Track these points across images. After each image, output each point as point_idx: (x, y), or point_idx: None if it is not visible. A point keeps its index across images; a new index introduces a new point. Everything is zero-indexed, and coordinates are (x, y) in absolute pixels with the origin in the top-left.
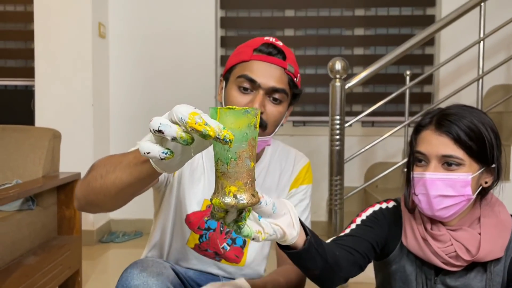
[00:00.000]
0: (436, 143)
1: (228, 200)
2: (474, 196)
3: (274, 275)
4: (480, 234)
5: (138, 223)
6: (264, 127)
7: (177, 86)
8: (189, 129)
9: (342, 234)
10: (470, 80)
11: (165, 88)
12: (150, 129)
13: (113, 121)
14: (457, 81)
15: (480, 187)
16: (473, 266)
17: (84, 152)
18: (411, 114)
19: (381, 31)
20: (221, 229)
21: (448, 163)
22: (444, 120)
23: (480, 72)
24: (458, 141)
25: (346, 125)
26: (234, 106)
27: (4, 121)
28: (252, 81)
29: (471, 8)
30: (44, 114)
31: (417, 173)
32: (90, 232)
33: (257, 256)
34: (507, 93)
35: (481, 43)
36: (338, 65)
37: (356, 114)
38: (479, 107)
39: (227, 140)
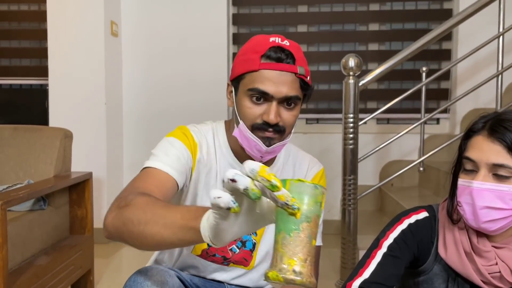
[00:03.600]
0: (488, 150)
1: (288, 274)
2: None
3: None
4: None
5: None
6: (282, 132)
7: (189, 84)
8: (259, 179)
9: (368, 270)
10: (489, 76)
11: (177, 86)
12: (223, 180)
13: (126, 120)
14: (475, 77)
15: None
16: None
17: (97, 151)
18: (428, 111)
19: (397, 26)
20: None
21: (498, 174)
22: (498, 126)
23: (500, 68)
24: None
25: (361, 122)
26: (303, 179)
27: (20, 121)
28: (264, 93)
29: (490, 1)
30: (58, 113)
31: (463, 180)
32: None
33: (266, 260)
34: None
35: (501, 37)
36: (352, 62)
37: (371, 111)
38: (498, 104)
39: (295, 207)
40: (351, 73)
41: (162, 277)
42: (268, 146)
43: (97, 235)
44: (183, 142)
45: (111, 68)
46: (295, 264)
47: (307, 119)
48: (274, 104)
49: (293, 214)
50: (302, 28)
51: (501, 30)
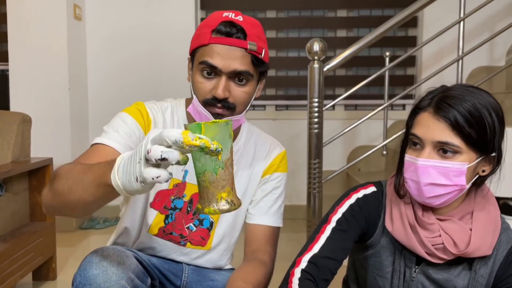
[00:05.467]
0: (433, 128)
1: (224, 206)
2: (468, 186)
3: (242, 283)
4: (471, 229)
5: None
6: (232, 109)
7: (155, 69)
8: (187, 148)
9: (317, 244)
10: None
11: (143, 72)
12: (150, 158)
13: (92, 105)
14: (439, 63)
15: (477, 176)
16: (458, 262)
17: (60, 137)
18: (392, 97)
19: (364, 12)
20: (188, 209)
21: (443, 150)
22: (443, 103)
23: (460, 53)
24: (456, 127)
25: (326, 107)
26: (215, 120)
27: None
28: (212, 67)
29: None
30: (19, 99)
31: (409, 156)
32: (70, 219)
33: (224, 240)
34: (490, 74)
35: (461, 23)
36: (316, 46)
37: (339, 97)
38: None
39: (218, 150)
40: (315, 57)
41: (118, 257)
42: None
43: (64, 224)
44: (136, 118)
45: (74, 53)
46: (226, 196)
47: (276, 106)
48: (223, 78)
49: (217, 156)
50: (271, 14)
51: (462, 15)
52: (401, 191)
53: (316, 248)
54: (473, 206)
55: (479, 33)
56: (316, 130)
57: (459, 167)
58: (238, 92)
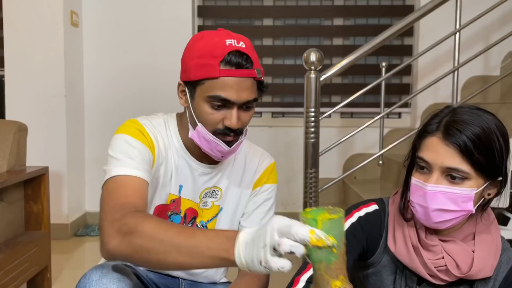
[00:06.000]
0: (442, 153)
1: None
2: (474, 210)
3: None
4: (473, 251)
5: None
6: (240, 133)
7: (152, 77)
8: (311, 246)
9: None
10: (447, 71)
11: (141, 79)
12: (279, 250)
13: (88, 113)
14: (435, 72)
15: (482, 199)
16: (459, 282)
17: (56, 145)
18: (390, 105)
19: (361, 21)
20: (184, 224)
21: (452, 175)
22: (453, 129)
23: (456, 64)
24: (465, 153)
25: (323, 116)
26: (325, 211)
27: None
28: (226, 100)
29: None
30: (14, 106)
31: (417, 180)
32: (64, 226)
33: None
34: (485, 84)
35: (457, 34)
36: (313, 57)
37: (335, 105)
38: (456, 99)
39: (334, 245)
40: (312, 67)
41: (118, 275)
42: (230, 147)
43: (59, 231)
44: (141, 140)
45: (71, 60)
46: (340, 284)
47: (272, 113)
48: (235, 110)
49: (332, 250)
50: (267, 22)
51: (457, 27)
52: (407, 215)
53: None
54: (475, 227)
55: (474, 43)
56: (312, 140)
57: (467, 193)
58: (246, 117)
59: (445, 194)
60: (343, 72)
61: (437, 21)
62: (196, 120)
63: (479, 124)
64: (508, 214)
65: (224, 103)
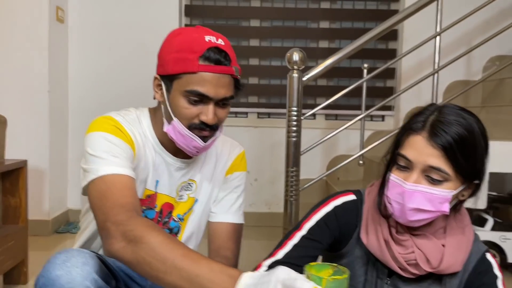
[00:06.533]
0: (426, 153)
1: None
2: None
3: None
4: (443, 245)
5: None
6: (216, 129)
7: (139, 75)
8: None
9: (283, 250)
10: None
11: (126, 77)
12: None
13: (72, 109)
14: (418, 76)
15: (456, 200)
16: (428, 275)
17: (38, 141)
18: (370, 108)
19: (346, 24)
20: (159, 219)
21: (431, 177)
22: (439, 129)
23: (436, 66)
24: (450, 155)
25: (305, 115)
26: (329, 267)
27: None
28: (203, 95)
29: (429, 2)
30: None
31: (395, 177)
32: (45, 222)
33: (190, 242)
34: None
35: (437, 37)
36: (296, 56)
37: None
38: (436, 102)
39: None
40: (295, 67)
41: (83, 258)
42: (205, 142)
43: (37, 227)
44: (121, 138)
45: (55, 56)
46: None
47: (258, 114)
48: (212, 105)
49: None
50: (255, 23)
51: (438, 30)
52: (384, 211)
53: (280, 254)
54: (446, 222)
55: (457, 48)
56: (294, 139)
57: (445, 195)
58: (222, 114)
59: (423, 194)
60: (329, 75)
61: (421, 25)
62: (172, 115)
63: (464, 126)
64: (486, 216)
65: (201, 99)
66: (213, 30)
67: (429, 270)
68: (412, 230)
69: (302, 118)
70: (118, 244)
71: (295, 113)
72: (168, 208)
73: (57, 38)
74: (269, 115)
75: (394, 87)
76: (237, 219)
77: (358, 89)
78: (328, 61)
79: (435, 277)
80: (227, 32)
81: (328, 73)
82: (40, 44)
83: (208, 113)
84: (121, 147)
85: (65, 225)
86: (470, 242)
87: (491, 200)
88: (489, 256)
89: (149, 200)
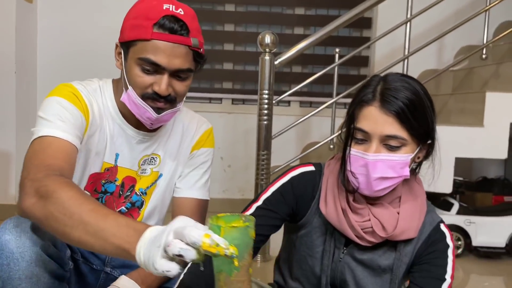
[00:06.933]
0: (381, 122)
1: None
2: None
3: None
4: (398, 213)
5: None
6: (174, 102)
7: (108, 56)
8: (202, 251)
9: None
10: (401, 63)
11: (98, 59)
12: (168, 252)
13: (41, 91)
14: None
15: (413, 163)
16: (383, 243)
17: (5, 124)
18: (349, 95)
19: (321, 11)
20: (120, 193)
21: (389, 144)
22: (389, 96)
23: (406, 52)
24: (403, 120)
25: (275, 101)
26: (240, 218)
27: None
28: (155, 64)
29: None
30: None
31: (356, 151)
32: (11, 207)
33: (153, 217)
34: (438, 77)
35: (408, 24)
36: (268, 39)
37: (296, 94)
38: None
39: (234, 256)
40: (267, 49)
41: (34, 224)
42: (158, 114)
43: (2, 212)
44: (75, 104)
45: (23, 36)
46: None
47: (233, 100)
48: (165, 76)
49: (233, 260)
50: (229, 7)
51: (409, 16)
52: (349, 187)
53: None
54: (402, 191)
55: (428, 38)
56: (265, 122)
57: (404, 159)
58: (179, 86)
59: (385, 162)
60: (303, 61)
61: (395, 13)
62: (127, 83)
63: (411, 90)
64: (452, 200)
65: (155, 68)
66: None
67: (385, 236)
68: (370, 200)
69: (274, 102)
70: (29, 200)
71: (266, 96)
72: (130, 181)
73: (25, 19)
74: (243, 101)
75: (367, 75)
76: (202, 194)
77: (332, 76)
78: (300, 45)
79: (390, 244)
80: (201, 16)
81: (303, 60)
82: (6, 24)
83: (161, 83)
84: (72, 113)
85: None
86: (424, 211)
87: (457, 185)
88: (443, 226)
89: (108, 173)
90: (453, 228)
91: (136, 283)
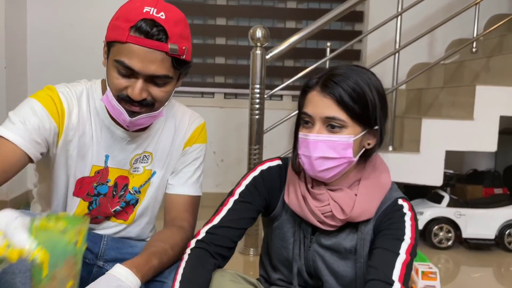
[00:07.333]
0: (321, 105)
1: None
2: (356, 158)
3: (160, 242)
4: (356, 195)
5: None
6: (151, 106)
7: (100, 50)
8: None
9: (218, 216)
10: (394, 57)
11: (88, 54)
12: None
13: (31, 86)
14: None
15: (363, 149)
16: (345, 226)
17: None
18: None
19: (314, 5)
20: (114, 193)
21: (331, 125)
22: (329, 81)
23: (397, 46)
24: (341, 103)
25: (269, 94)
26: (59, 217)
27: None
28: (129, 68)
29: None
30: None
31: (302, 134)
32: (3, 203)
33: (146, 214)
34: (429, 71)
35: (399, 18)
36: (259, 33)
37: (288, 88)
38: (397, 81)
39: (37, 262)
40: (258, 43)
41: (17, 213)
42: (131, 117)
43: None
44: (47, 108)
45: (13, 30)
46: None
47: (225, 94)
48: (140, 81)
49: (41, 266)
50: (221, 1)
51: (399, 10)
52: (297, 168)
53: (216, 220)
54: (361, 175)
55: (419, 31)
56: (257, 116)
57: (345, 140)
58: (156, 92)
59: (325, 143)
60: (295, 55)
61: (386, 7)
62: (106, 83)
63: (353, 77)
64: (442, 193)
65: (130, 72)
66: (178, 7)
67: (343, 218)
68: (329, 185)
69: (266, 96)
70: None
71: (258, 90)
72: (123, 181)
73: (15, 12)
74: (236, 95)
75: None
76: (194, 191)
77: (324, 70)
78: (292, 39)
79: (352, 226)
80: (193, 10)
81: (295, 54)
82: None
83: (134, 87)
84: (39, 116)
85: (25, 206)
86: (384, 190)
87: (448, 177)
88: (401, 200)
89: (99, 176)
90: (443, 220)
91: (131, 271)
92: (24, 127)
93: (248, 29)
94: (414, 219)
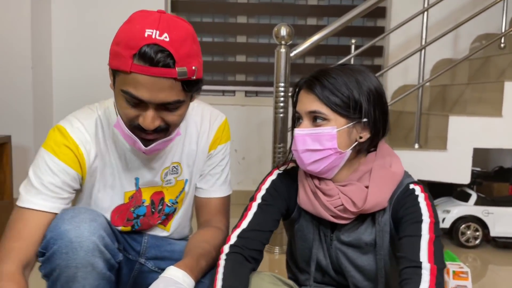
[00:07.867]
0: (305, 101)
1: None
2: (348, 151)
3: (205, 244)
4: (367, 187)
5: None
6: (166, 130)
7: None
8: None
9: (245, 220)
10: (417, 53)
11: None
12: None
13: (57, 84)
14: (406, 54)
15: (356, 142)
16: (363, 220)
17: (22, 118)
18: None
19: (335, 1)
20: (153, 210)
21: (315, 118)
22: (312, 79)
23: (423, 43)
24: (321, 97)
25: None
26: None
27: None
28: (137, 98)
29: None
30: None
31: (294, 130)
32: None
33: (181, 220)
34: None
35: (425, 14)
36: (283, 31)
37: None
38: (423, 78)
39: None
40: (282, 42)
41: (90, 215)
42: (146, 146)
43: None
44: (66, 162)
45: (39, 30)
46: None
47: (246, 92)
48: (150, 110)
49: None
50: None
51: (425, 6)
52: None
53: (244, 224)
54: (371, 166)
55: (444, 27)
56: (281, 115)
57: (328, 131)
58: (169, 117)
59: (310, 136)
60: (317, 52)
61: (409, 2)
62: (116, 111)
63: (337, 73)
64: (469, 191)
65: (139, 101)
66: (199, 6)
67: (356, 210)
68: (337, 182)
69: (289, 94)
70: None
71: (282, 89)
72: (158, 196)
73: (40, 13)
74: (256, 93)
75: (382, 65)
76: (224, 192)
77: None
78: (316, 37)
79: (369, 219)
80: (214, 9)
81: (316, 51)
82: (22, 18)
83: (146, 117)
84: (58, 174)
85: None
86: (396, 178)
87: (475, 175)
88: (412, 185)
89: (133, 200)
90: (471, 219)
91: (186, 272)
92: (46, 188)
93: (269, 26)
94: (429, 199)
